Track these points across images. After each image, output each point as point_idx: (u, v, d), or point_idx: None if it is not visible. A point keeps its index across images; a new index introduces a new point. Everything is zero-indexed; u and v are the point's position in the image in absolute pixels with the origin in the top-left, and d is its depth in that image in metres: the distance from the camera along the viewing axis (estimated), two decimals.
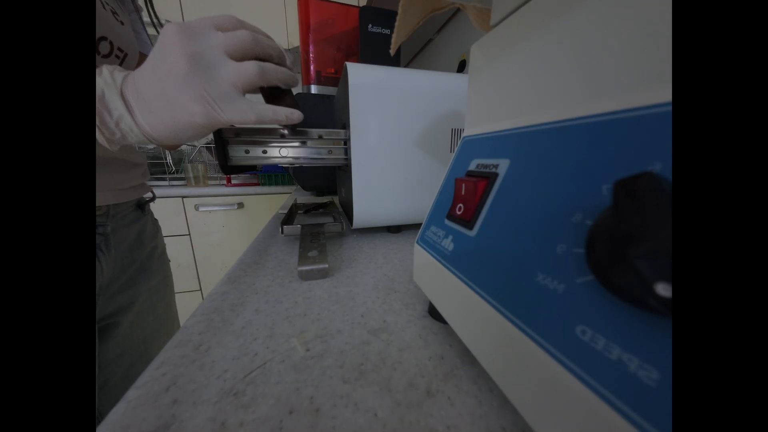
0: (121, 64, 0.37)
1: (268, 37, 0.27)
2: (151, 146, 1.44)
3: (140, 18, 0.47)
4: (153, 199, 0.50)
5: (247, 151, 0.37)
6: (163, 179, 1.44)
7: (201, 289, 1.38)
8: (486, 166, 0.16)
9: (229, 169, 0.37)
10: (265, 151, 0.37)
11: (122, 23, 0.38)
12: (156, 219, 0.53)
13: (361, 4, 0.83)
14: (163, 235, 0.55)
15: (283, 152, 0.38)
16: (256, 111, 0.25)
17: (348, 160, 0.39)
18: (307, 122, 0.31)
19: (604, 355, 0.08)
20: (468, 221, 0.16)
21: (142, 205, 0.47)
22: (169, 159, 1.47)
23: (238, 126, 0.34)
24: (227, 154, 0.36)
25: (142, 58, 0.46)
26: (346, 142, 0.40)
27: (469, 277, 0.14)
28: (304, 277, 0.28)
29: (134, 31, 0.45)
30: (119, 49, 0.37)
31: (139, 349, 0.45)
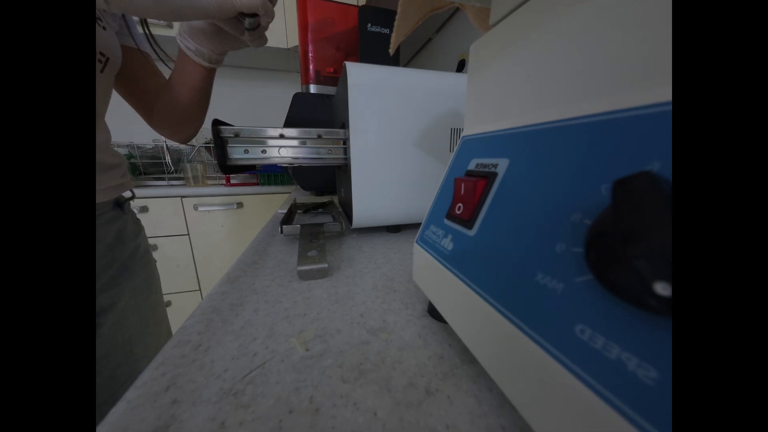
0: (102, 70, 0.37)
1: None
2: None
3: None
4: (132, 197, 0.49)
5: (246, 151, 0.37)
6: (162, 179, 1.43)
7: (200, 289, 1.37)
8: (485, 166, 0.16)
9: (228, 168, 0.37)
10: (264, 151, 0.37)
11: (105, 28, 0.38)
12: (138, 219, 0.52)
13: (360, 4, 0.83)
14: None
15: (282, 152, 0.38)
16: None
17: (347, 159, 0.39)
18: (307, 122, 0.31)
19: (603, 354, 0.08)
20: (467, 221, 0.16)
21: (120, 204, 0.46)
22: (168, 159, 1.47)
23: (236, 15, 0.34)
24: (226, 153, 0.36)
25: (137, 53, 0.46)
26: (346, 141, 0.40)
27: (469, 276, 0.14)
28: (304, 276, 0.28)
29: (128, 26, 0.45)
30: (101, 54, 0.37)
31: (124, 350, 0.44)
